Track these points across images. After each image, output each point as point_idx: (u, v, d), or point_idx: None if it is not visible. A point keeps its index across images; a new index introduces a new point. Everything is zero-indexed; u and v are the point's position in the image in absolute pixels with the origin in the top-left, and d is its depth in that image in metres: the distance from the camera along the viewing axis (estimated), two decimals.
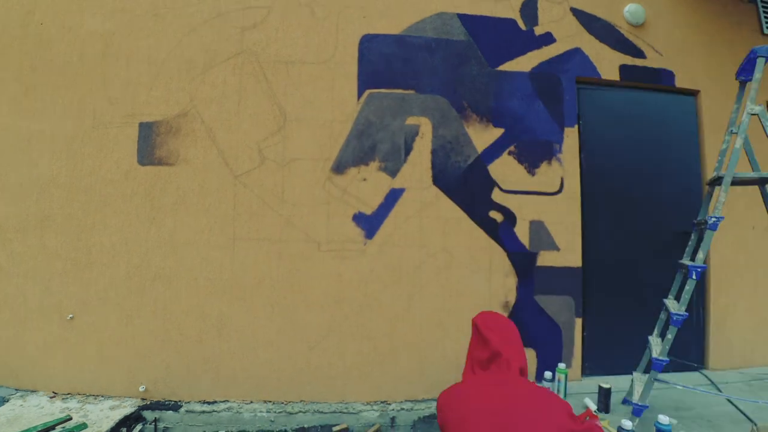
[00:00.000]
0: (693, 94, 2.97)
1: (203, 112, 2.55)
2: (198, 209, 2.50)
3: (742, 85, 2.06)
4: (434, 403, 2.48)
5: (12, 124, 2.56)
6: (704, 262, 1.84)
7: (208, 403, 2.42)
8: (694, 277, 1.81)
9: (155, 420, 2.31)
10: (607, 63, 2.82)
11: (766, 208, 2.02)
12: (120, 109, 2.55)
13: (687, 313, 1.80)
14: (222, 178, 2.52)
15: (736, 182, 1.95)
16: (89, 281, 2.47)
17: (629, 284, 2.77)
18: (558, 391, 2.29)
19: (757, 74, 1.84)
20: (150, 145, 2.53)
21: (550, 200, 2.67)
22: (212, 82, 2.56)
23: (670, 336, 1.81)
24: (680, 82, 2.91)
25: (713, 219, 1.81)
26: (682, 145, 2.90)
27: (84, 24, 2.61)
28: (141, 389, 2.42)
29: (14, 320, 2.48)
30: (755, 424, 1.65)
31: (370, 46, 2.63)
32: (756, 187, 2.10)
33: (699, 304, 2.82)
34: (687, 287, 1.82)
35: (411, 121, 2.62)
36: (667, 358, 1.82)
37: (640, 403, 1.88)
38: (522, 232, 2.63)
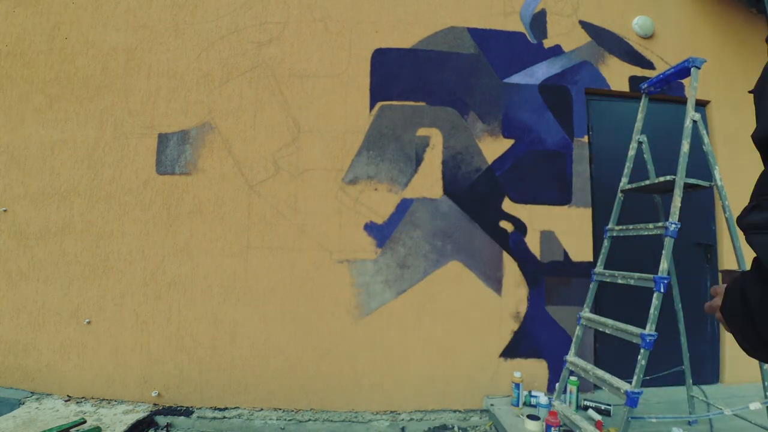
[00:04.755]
0: (703, 104, 2.97)
1: (220, 124, 2.62)
2: (213, 218, 2.56)
3: (645, 96, 2.18)
4: (444, 414, 2.47)
5: (36, 133, 2.66)
6: (668, 273, 1.70)
7: (220, 409, 2.44)
8: (661, 290, 1.64)
9: (167, 425, 2.34)
10: (617, 74, 2.84)
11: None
12: (140, 121, 2.63)
13: (657, 333, 1.61)
14: (237, 188, 2.58)
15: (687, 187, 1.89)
16: (106, 287, 2.53)
17: (642, 295, 2.74)
18: (570, 403, 2.28)
19: (694, 83, 1.89)
20: (168, 155, 2.60)
21: (560, 210, 2.68)
22: (229, 95, 2.64)
23: (643, 362, 1.59)
24: None
25: (673, 226, 1.69)
26: (692, 155, 2.88)
27: (107, 39, 2.71)
28: (154, 394, 2.45)
29: (32, 324, 2.54)
30: None
31: (382, 60, 2.69)
32: None
33: (713, 316, 2.77)
34: (655, 302, 1.64)
35: (422, 132, 2.67)
36: (641, 390, 1.58)
37: None
38: (533, 242, 2.64)
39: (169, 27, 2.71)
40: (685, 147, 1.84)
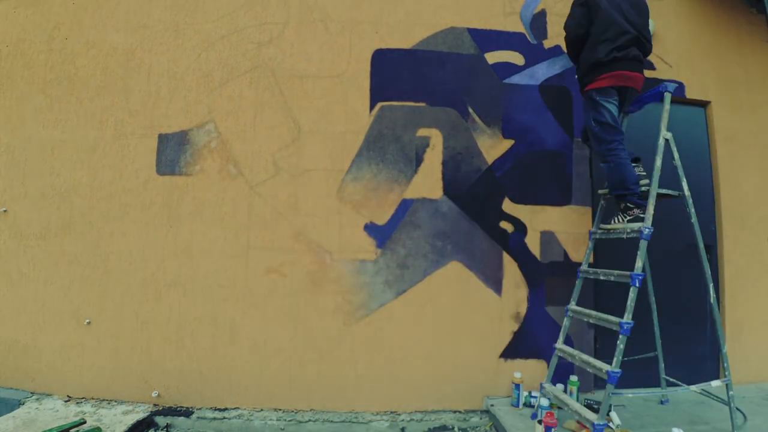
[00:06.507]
0: (703, 105, 2.97)
1: (220, 124, 2.62)
2: (213, 218, 2.56)
3: (626, 115, 2.36)
4: (444, 414, 2.47)
5: (36, 134, 2.66)
6: (642, 270, 1.92)
7: (220, 409, 2.44)
8: (636, 284, 1.85)
9: (167, 425, 2.34)
10: None
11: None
12: (140, 121, 2.63)
13: (633, 321, 1.80)
14: (237, 189, 2.58)
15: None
16: (107, 287, 2.53)
17: (641, 295, 2.73)
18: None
19: (666, 105, 2.12)
20: (168, 155, 2.60)
21: (560, 211, 2.68)
22: (229, 95, 2.64)
23: (621, 346, 1.79)
24: (691, 93, 2.92)
25: (647, 230, 1.92)
26: (692, 155, 2.88)
27: (107, 39, 2.71)
28: (154, 395, 2.45)
29: (32, 325, 2.55)
30: None
31: (382, 60, 2.69)
32: None
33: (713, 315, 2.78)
34: (631, 295, 1.85)
35: (422, 132, 2.67)
36: (620, 370, 1.76)
37: (600, 423, 1.71)
38: (533, 242, 2.64)
39: (169, 27, 2.71)
40: (658, 162, 2.05)
